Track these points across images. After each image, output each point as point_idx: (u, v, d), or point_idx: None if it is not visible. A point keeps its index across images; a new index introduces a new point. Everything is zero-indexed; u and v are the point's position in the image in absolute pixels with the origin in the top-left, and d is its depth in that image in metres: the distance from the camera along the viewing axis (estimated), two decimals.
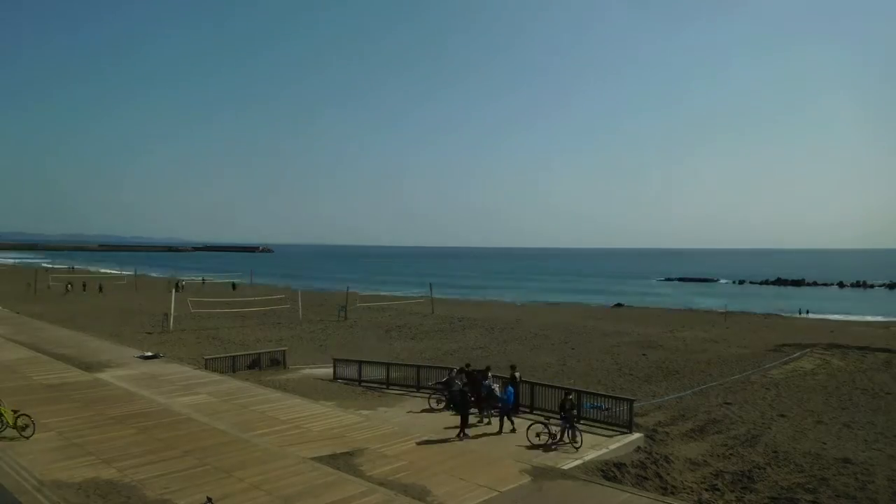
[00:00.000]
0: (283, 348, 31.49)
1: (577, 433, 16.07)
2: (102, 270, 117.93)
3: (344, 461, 14.20)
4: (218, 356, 28.65)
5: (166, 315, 43.61)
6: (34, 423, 15.14)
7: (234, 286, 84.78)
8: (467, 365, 20.74)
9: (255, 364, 28.44)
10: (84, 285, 77.81)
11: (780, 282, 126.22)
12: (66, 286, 75.70)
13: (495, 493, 12.40)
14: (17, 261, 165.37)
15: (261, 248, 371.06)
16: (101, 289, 75.86)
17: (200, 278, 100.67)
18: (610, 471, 15.02)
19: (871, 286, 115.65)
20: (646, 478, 15.10)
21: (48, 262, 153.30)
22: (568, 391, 17.59)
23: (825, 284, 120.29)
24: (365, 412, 19.64)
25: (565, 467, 14.38)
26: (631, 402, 18.04)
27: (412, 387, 23.66)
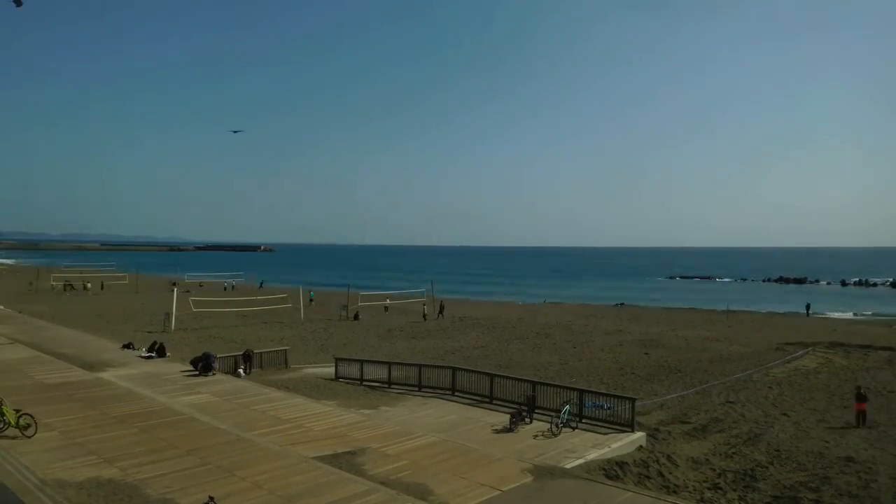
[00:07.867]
0: (284, 347, 31.47)
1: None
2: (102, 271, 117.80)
3: (346, 460, 14.19)
4: (220, 356, 28.60)
5: (167, 314, 43.64)
6: (36, 423, 15.13)
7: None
8: None
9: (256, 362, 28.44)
10: (92, 284, 77.92)
11: (782, 280, 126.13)
12: (68, 286, 76.04)
13: (497, 493, 12.38)
14: (19, 260, 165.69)
15: (262, 247, 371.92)
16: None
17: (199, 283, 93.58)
18: (612, 470, 15.01)
19: (874, 284, 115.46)
20: (648, 477, 15.09)
21: (48, 262, 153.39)
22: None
23: (828, 283, 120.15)
24: (367, 411, 19.64)
25: (567, 466, 14.36)
26: (633, 400, 18.01)
27: (414, 386, 23.72)
